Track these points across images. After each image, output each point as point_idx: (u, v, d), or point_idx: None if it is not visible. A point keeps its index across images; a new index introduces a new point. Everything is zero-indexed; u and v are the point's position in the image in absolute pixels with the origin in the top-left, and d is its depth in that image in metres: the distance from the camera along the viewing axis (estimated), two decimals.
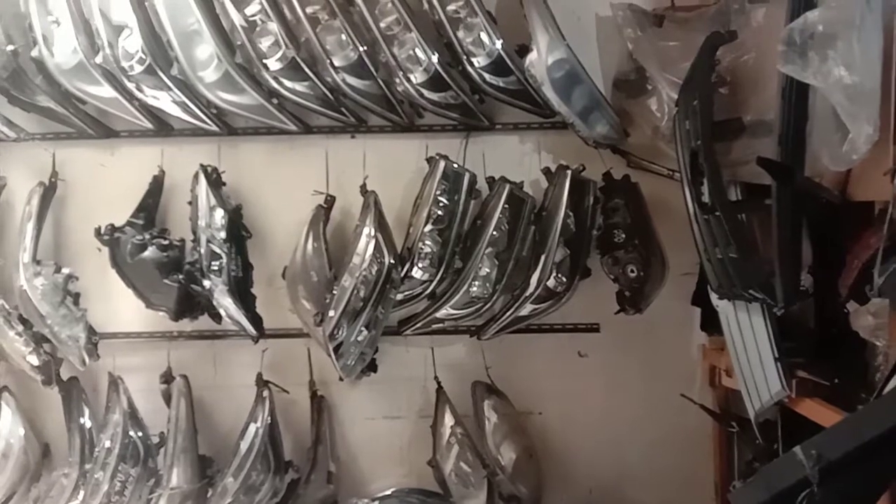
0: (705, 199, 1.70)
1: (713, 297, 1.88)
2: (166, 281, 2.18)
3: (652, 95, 2.09)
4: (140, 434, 2.23)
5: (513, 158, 2.26)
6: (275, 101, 2.14)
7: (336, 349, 2.06)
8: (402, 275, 2.09)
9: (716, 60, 1.80)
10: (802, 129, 1.46)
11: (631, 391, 2.33)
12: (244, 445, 2.13)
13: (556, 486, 2.32)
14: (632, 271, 2.12)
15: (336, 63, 2.07)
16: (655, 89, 2.06)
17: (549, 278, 2.13)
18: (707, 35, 1.79)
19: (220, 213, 2.11)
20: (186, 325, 2.28)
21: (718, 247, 1.69)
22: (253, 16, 2.05)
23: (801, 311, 1.74)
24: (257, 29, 2.05)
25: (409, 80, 2.07)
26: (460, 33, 2.07)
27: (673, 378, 2.29)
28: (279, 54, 2.05)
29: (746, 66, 1.78)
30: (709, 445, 2.30)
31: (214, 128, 2.20)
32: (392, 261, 2.04)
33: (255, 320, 2.20)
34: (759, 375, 1.78)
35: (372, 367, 2.21)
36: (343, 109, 2.18)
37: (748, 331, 1.79)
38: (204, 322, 2.26)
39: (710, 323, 2.08)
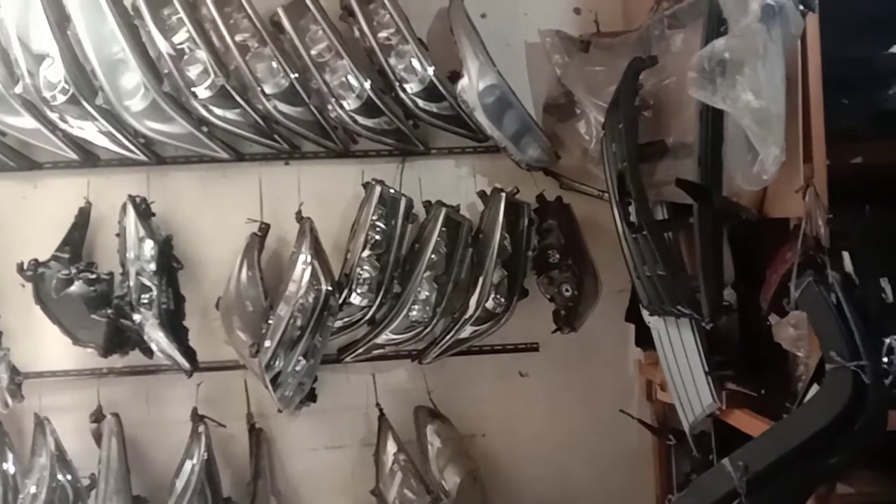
0: (633, 218, 1.76)
1: (644, 313, 1.93)
2: (94, 316, 2.10)
3: (580, 119, 2.15)
4: (69, 477, 2.12)
5: (449, 182, 2.28)
6: (205, 129, 2.11)
7: (273, 380, 2.02)
8: (340, 301, 2.08)
9: (639, 85, 1.86)
10: (719, 151, 1.53)
11: (572, 408, 2.36)
12: (180, 484, 2.06)
13: None
14: (566, 290, 2.16)
15: (267, 90, 2.06)
16: (583, 113, 2.12)
17: (487, 300, 2.15)
18: (630, 60, 1.85)
19: (149, 245, 2.06)
20: (117, 360, 2.20)
21: (647, 265, 1.74)
22: (181, 44, 2.03)
23: (728, 325, 1.80)
24: (185, 57, 2.02)
25: (342, 106, 2.08)
26: (392, 60, 2.09)
27: (611, 394, 2.34)
28: (208, 82, 2.03)
29: (668, 90, 1.85)
30: (649, 459, 2.34)
31: (143, 157, 2.14)
32: (329, 287, 2.02)
33: (189, 353, 2.14)
34: (692, 389, 1.83)
35: (311, 396, 2.17)
36: (276, 136, 2.16)
37: (679, 346, 1.84)
38: (135, 357, 2.18)
39: (644, 339, 2.13)
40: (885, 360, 1.40)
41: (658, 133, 1.86)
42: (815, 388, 1.41)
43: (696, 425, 1.88)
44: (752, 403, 1.73)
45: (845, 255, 1.42)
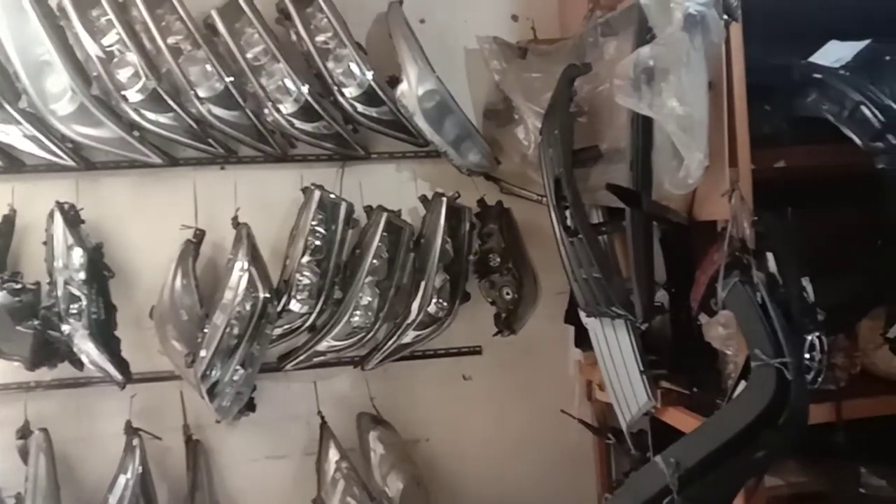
0: (569, 223, 1.79)
1: (582, 315, 1.96)
2: (20, 328, 2.00)
3: (519, 124, 2.17)
4: None
5: (390, 187, 2.27)
6: (136, 133, 2.04)
7: (210, 390, 1.98)
8: (279, 309, 2.04)
9: (573, 91, 1.89)
10: (649, 156, 1.57)
11: (514, 410, 2.38)
12: (113, 500, 1.98)
13: None
14: (507, 293, 2.19)
15: (201, 94, 2.01)
16: (522, 119, 2.15)
17: (430, 304, 2.15)
18: (565, 67, 1.89)
19: (78, 253, 1.98)
20: (45, 374, 2.10)
21: (583, 268, 1.77)
22: (110, 46, 1.96)
23: (662, 325, 1.85)
24: (115, 59, 1.96)
25: (278, 110, 2.05)
26: (330, 64, 2.07)
27: (553, 395, 2.37)
28: (139, 85, 1.97)
29: (602, 96, 1.88)
30: (590, 458, 2.38)
31: (71, 163, 2.06)
32: (267, 295, 1.99)
33: (121, 365, 2.06)
34: (628, 388, 1.87)
35: (250, 406, 2.13)
36: (211, 141, 2.11)
37: (615, 346, 1.88)
38: (64, 370, 2.09)
39: (583, 340, 2.16)
40: (807, 356, 1.46)
41: (593, 139, 1.90)
42: (742, 385, 1.46)
43: (633, 424, 1.93)
44: (686, 401, 1.78)
45: (769, 255, 1.47)
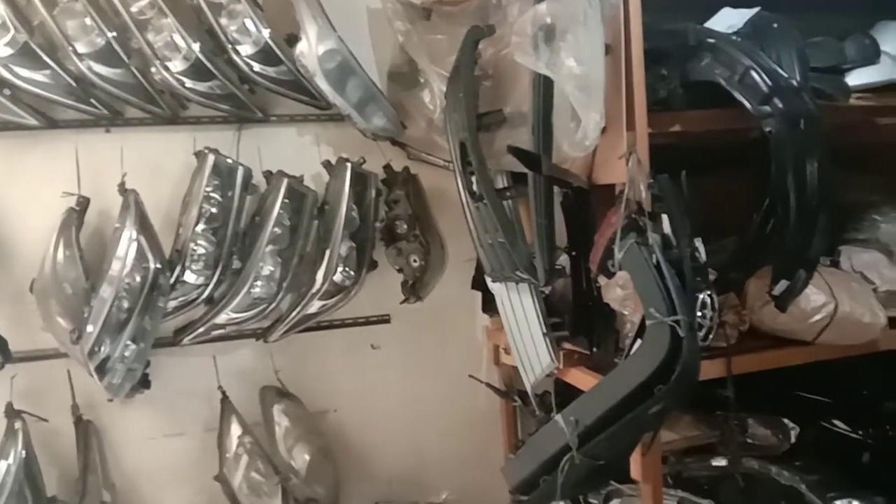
0: (475, 188, 1.77)
1: (488, 280, 1.97)
2: None
3: (424, 88, 2.13)
4: None
5: (291, 151, 2.18)
6: (7, 92, 1.87)
7: (99, 368, 1.86)
8: (173, 280, 1.93)
9: (477, 54, 1.87)
10: (550, 120, 1.57)
11: (424, 377, 2.38)
12: None
13: (356, 481, 2.30)
14: (414, 261, 2.16)
15: (80, 49, 1.86)
16: (427, 82, 2.11)
17: (335, 273, 2.09)
18: (469, 29, 1.85)
19: None
20: None
21: (488, 233, 1.77)
22: None
23: (563, 288, 1.88)
24: None
25: (167, 68, 1.92)
26: (223, 20, 1.96)
27: (461, 360, 2.38)
28: (7, 38, 1.80)
29: (505, 59, 1.86)
30: (498, 421, 2.42)
31: None
32: (159, 265, 1.88)
33: (0, 343, 1.92)
34: (532, 351, 1.89)
35: (144, 383, 2.02)
36: (93, 101, 1.96)
37: (520, 310, 1.90)
38: None
39: (490, 305, 2.17)
40: (699, 314, 1.51)
41: (497, 102, 1.89)
42: (638, 343, 1.50)
43: (537, 385, 1.96)
44: (586, 361, 1.81)
45: (664, 218, 1.50)
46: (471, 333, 2.41)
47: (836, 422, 2.06)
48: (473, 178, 1.77)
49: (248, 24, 1.96)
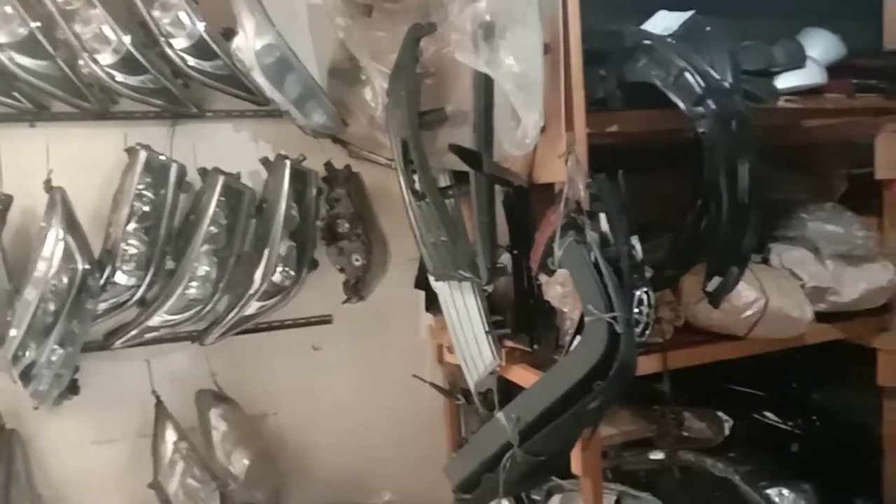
0: (417, 186, 1.76)
1: (431, 279, 1.96)
2: None
3: (366, 85, 2.11)
4: None
5: (227, 148, 2.12)
6: None
7: (24, 373, 1.78)
8: (102, 281, 1.86)
9: (419, 52, 1.86)
10: (491, 118, 1.57)
11: (367, 378, 2.35)
12: None
13: (296, 485, 2.26)
14: (356, 260, 2.14)
15: (0, 39, 1.77)
16: (369, 79, 2.08)
17: (274, 273, 2.05)
18: (410, 27, 1.84)
19: None
20: None
21: (431, 232, 1.76)
22: None
23: (505, 286, 1.88)
24: None
25: (95, 61, 1.84)
26: (156, 12, 1.89)
27: (405, 360, 2.36)
28: None
29: (447, 57, 1.85)
30: (442, 420, 2.41)
31: None
32: (87, 266, 1.80)
33: None
34: (475, 349, 1.89)
35: (73, 388, 1.94)
36: (16, 94, 1.87)
37: (462, 309, 1.89)
38: None
39: (433, 304, 2.17)
40: (636, 311, 1.53)
41: (439, 101, 1.88)
42: (578, 340, 1.51)
43: (480, 383, 1.96)
44: (528, 358, 1.83)
45: (602, 216, 1.52)
46: (414, 333, 2.40)
47: (768, 414, 2.14)
48: (416, 177, 1.76)
49: (183, 16, 1.90)
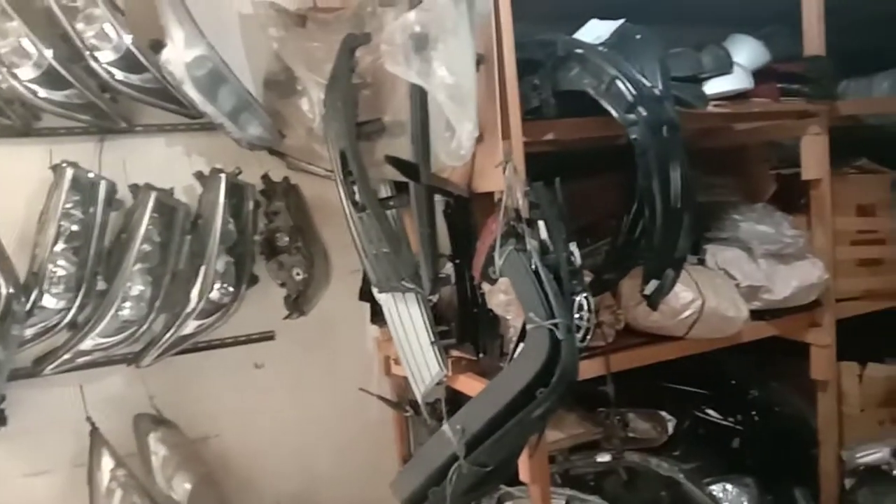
0: (357, 197, 1.74)
1: (375, 291, 1.94)
2: None
3: (302, 96, 2.07)
4: None
5: (159, 163, 2.06)
6: None
7: None
8: (29, 305, 1.77)
9: (355, 62, 1.84)
10: (428, 129, 1.56)
11: (312, 393, 2.31)
12: None
13: None
14: (297, 274, 2.10)
15: None
16: (305, 90, 2.06)
17: (212, 290, 1.99)
18: (344, 37, 1.82)
19: None
20: None
21: (373, 243, 1.74)
22: None
23: (450, 296, 1.88)
24: None
25: (15, 76, 1.76)
26: (79, 25, 1.81)
27: (352, 374, 2.33)
28: None
29: (383, 68, 1.84)
30: (391, 433, 2.38)
31: None
32: (11, 290, 1.71)
33: None
34: (421, 360, 1.88)
35: (0, 419, 1.84)
36: None
37: (407, 320, 1.88)
38: None
39: (378, 316, 2.14)
40: (577, 316, 1.55)
41: (377, 111, 1.87)
42: (521, 348, 1.52)
43: (428, 394, 1.94)
44: (474, 368, 1.83)
45: (541, 224, 1.53)
46: (360, 346, 2.37)
47: (709, 411, 2.19)
48: (355, 188, 1.74)
49: (108, 28, 1.84)
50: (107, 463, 1.93)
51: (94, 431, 1.98)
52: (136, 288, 1.91)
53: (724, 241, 2.06)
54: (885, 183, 2.30)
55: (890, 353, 2.36)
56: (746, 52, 1.96)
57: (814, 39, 2.06)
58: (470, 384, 1.81)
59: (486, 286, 1.67)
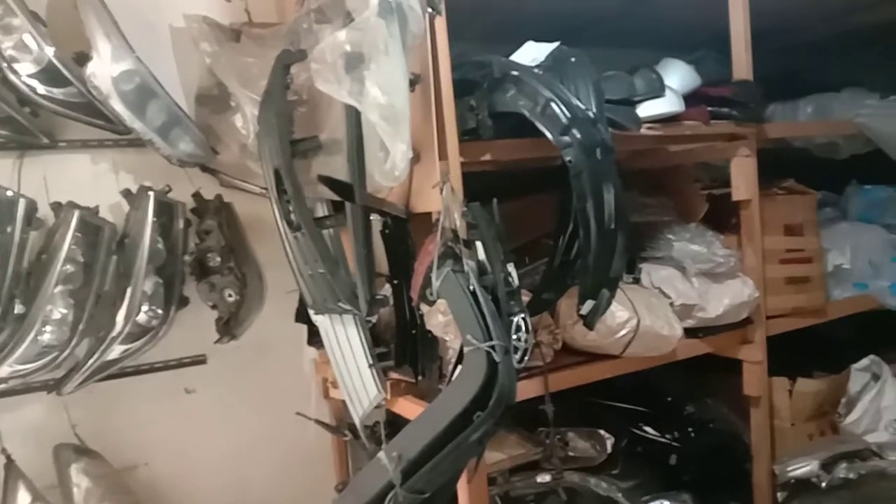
0: (292, 217, 1.70)
1: (311, 312, 1.89)
2: None
3: (236, 112, 2.02)
4: None
5: (84, 180, 1.97)
6: None
7: None
8: None
9: (290, 78, 1.80)
10: (363, 147, 1.54)
11: (247, 418, 2.23)
12: None
13: None
14: (229, 295, 2.03)
15: None
16: (239, 106, 1.99)
17: (139, 313, 1.91)
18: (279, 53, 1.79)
19: None
20: None
21: (308, 264, 1.69)
22: None
23: (388, 317, 1.85)
24: None
25: None
26: None
27: (289, 397, 2.27)
28: None
29: None
30: (329, 458, 2.33)
31: None
32: None
33: None
34: (359, 383, 1.84)
35: None
36: None
37: (345, 342, 1.84)
38: None
39: (316, 338, 2.09)
40: (514, 337, 1.54)
41: (313, 129, 1.82)
42: (459, 370, 1.50)
43: (366, 417, 1.90)
44: (413, 390, 1.80)
45: (478, 245, 1.53)
46: (297, 368, 2.31)
47: (647, 428, 2.22)
48: (290, 207, 1.69)
49: (28, 40, 1.76)
50: (23, 497, 1.81)
51: (10, 464, 1.86)
52: (58, 311, 1.81)
53: (659, 261, 2.09)
54: (812, 203, 2.39)
55: (818, 368, 2.45)
56: (678, 76, 2.01)
57: (742, 64, 2.13)
58: (409, 407, 1.78)
59: (424, 307, 1.64)
